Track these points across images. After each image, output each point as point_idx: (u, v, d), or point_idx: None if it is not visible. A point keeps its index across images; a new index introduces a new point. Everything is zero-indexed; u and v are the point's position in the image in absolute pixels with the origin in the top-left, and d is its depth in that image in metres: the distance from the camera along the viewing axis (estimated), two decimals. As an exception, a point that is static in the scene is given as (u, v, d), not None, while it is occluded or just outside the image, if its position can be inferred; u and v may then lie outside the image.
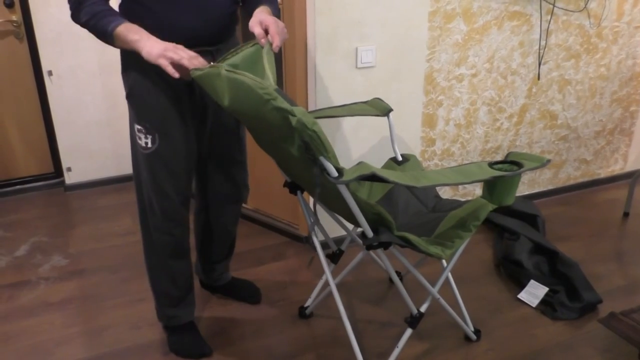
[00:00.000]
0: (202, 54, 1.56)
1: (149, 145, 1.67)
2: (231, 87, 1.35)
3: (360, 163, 1.41)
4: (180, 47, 1.45)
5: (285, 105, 1.27)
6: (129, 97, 1.66)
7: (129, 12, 1.53)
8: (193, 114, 1.72)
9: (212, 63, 1.45)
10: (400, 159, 2.10)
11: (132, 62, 1.59)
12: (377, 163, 2.54)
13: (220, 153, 1.89)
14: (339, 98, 2.44)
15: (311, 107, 2.44)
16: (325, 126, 2.45)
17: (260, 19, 1.51)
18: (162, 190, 1.73)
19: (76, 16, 1.50)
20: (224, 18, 1.61)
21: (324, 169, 1.34)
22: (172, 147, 1.69)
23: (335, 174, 1.35)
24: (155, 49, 1.42)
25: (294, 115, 1.27)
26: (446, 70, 2.67)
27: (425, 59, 2.61)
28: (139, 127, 1.66)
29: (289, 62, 2.44)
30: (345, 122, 2.51)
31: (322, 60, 2.36)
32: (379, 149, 2.61)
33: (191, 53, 1.44)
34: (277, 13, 1.67)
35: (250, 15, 1.58)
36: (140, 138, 1.68)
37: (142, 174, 1.74)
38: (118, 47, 1.51)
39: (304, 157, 1.36)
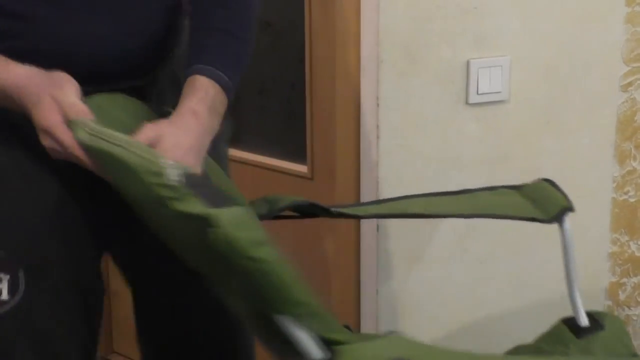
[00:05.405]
0: (125, 92, 1.44)
1: (3, 296, 1.44)
2: (108, 167, 1.24)
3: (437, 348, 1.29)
4: (59, 80, 1.24)
5: (196, 207, 1.06)
6: None
7: None
8: (95, 211, 1.47)
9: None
10: (584, 322, 1.65)
11: None
12: (530, 330, 1.77)
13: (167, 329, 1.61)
14: (428, 174, 2.05)
15: (367, 195, 2.06)
16: (404, 232, 2.05)
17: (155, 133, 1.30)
18: None
19: None
20: (156, 29, 1.46)
21: (290, 347, 1.13)
22: (52, 297, 1.42)
23: (316, 356, 1.10)
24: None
25: (213, 226, 1.04)
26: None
27: (620, 86, 2.17)
28: None
29: (320, 99, 2.14)
30: (443, 229, 2.10)
31: (391, 91, 2.01)
32: (529, 296, 2.17)
33: (69, 100, 1.22)
34: (237, 58, 1.48)
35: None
36: None
37: None
38: None
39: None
